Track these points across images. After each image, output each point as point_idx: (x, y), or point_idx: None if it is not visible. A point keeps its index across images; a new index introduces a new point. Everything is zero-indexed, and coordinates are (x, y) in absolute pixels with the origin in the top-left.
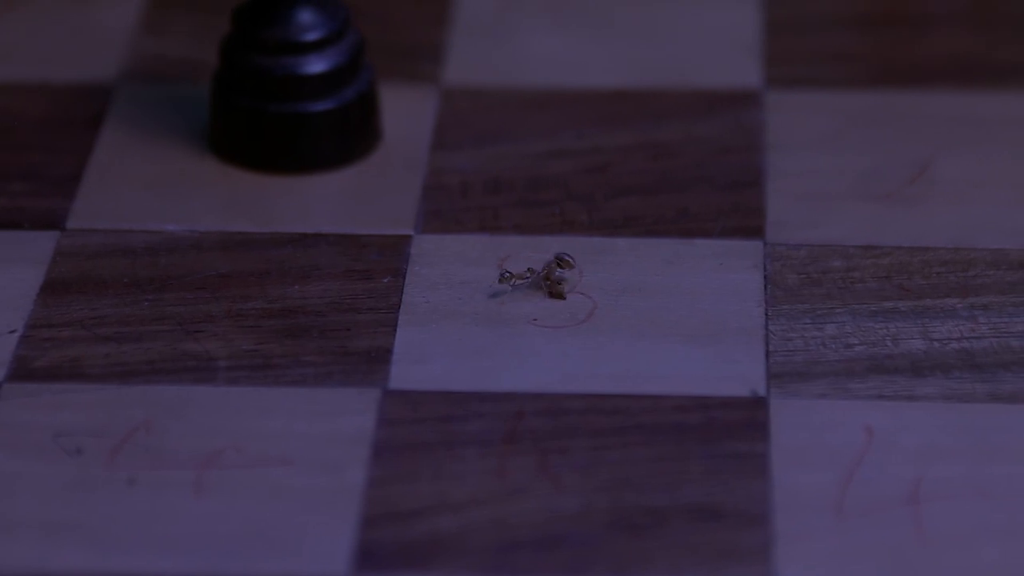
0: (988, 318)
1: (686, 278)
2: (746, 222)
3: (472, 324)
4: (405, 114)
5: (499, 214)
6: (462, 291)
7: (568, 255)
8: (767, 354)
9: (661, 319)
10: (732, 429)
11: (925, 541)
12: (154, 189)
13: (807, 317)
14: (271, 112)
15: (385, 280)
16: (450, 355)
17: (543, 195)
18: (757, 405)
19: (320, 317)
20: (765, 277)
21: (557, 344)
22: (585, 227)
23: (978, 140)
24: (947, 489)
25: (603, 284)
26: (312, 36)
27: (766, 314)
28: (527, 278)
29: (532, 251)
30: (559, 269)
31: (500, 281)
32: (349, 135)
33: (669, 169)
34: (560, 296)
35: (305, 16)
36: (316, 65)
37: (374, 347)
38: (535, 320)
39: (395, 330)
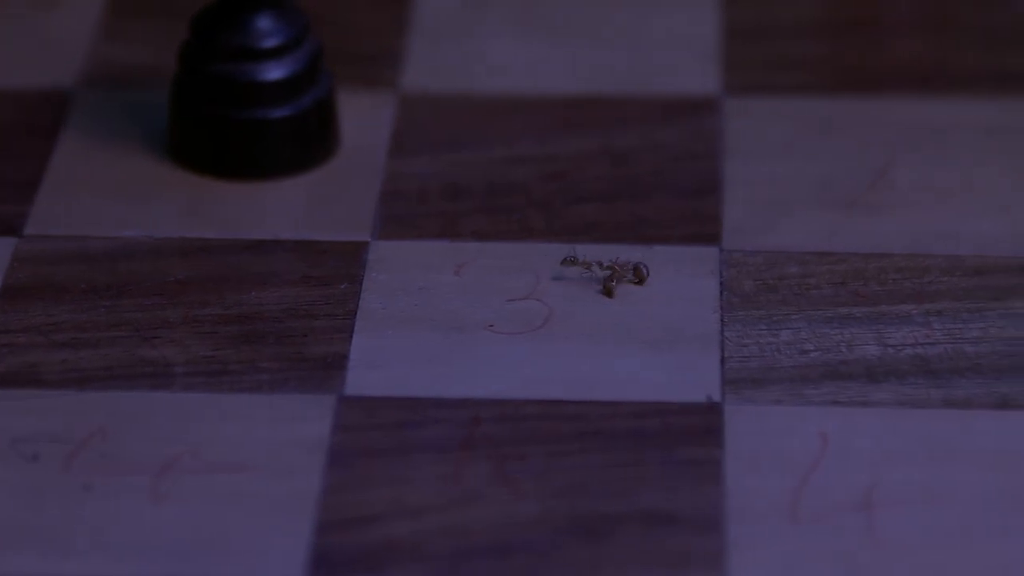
0: (943, 324)
1: (644, 285)
2: (703, 229)
3: (429, 330)
4: (364, 120)
5: (458, 220)
6: (419, 297)
7: (645, 268)
8: (722, 360)
9: (618, 325)
10: (687, 435)
11: (878, 547)
12: (112, 195)
13: (763, 323)
14: (229, 118)
15: (342, 286)
16: (407, 361)
17: (502, 201)
18: (712, 411)
19: (277, 323)
20: (721, 283)
21: (514, 350)
22: (544, 233)
23: (935, 147)
24: (901, 495)
25: (561, 290)
26: (271, 43)
27: (722, 320)
28: (591, 268)
29: (492, 257)
30: (631, 276)
31: (563, 263)
32: (307, 141)
33: (628, 176)
34: (611, 295)
35: (264, 23)
36: (275, 72)
37: (330, 353)
38: (492, 326)
39: (351, 336)
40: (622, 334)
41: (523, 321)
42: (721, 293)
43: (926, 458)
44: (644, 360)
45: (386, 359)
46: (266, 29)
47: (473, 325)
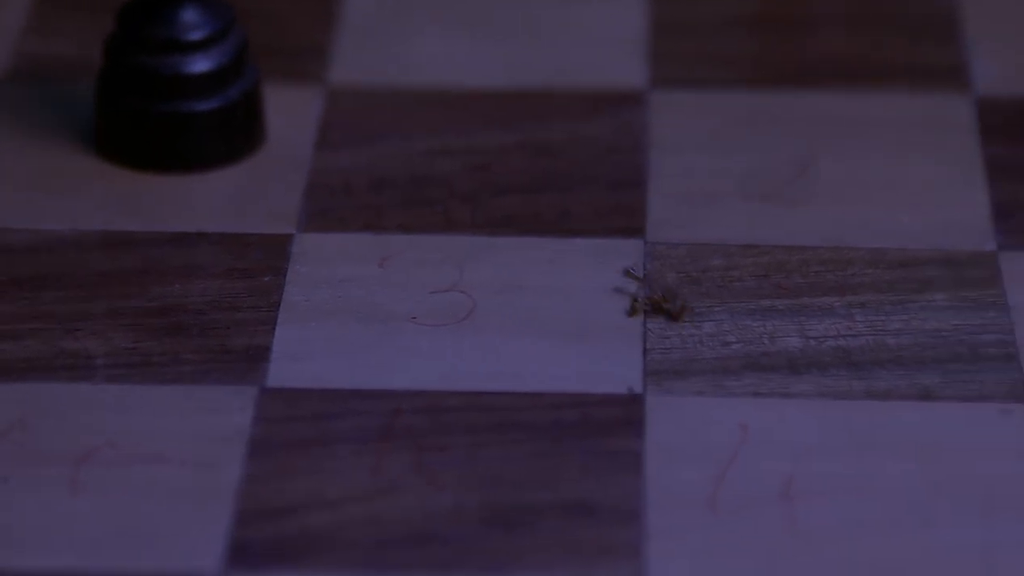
0: (865, 316)
1: (566, 277)
2: (627, 222)
3: (352, 322)
4: (290, 114)
5: (382, 213)
6: (343, 289)
7: (684, 313)
8: (644, 352)
9: (540, 317)
10: (608, 426)
11: (798, 537)
12: (36, 188)
13: (685, 315)
14: (155, 111)
15: (266, 279)
16: (329, 353)
17: (426, 194)
18: (633, 402)
19: (200, 315)
20: (645, 275)
21: (437, 342)
22: (468, 226)
23: (858, 140)
24: (821, 485)
25: (484, 283)
26: (197, 35)
27: (645, 312)
28: (643, 280)
29: (416, 250)
30: (671, 306)
31: (625, 274)
32: (233, 134)
33: (552, 169)
34: (632, 315)
35: (190, 15)
36: (200, 64)
37: (253, 345)
38: (415, 318)
39: (275, 328)
40: (544, 326)
41: (446, 313)
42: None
43: (846, 449)
44: (566, 352)
45: (309, 351)
46: (192, 22)
47: (396, 317)
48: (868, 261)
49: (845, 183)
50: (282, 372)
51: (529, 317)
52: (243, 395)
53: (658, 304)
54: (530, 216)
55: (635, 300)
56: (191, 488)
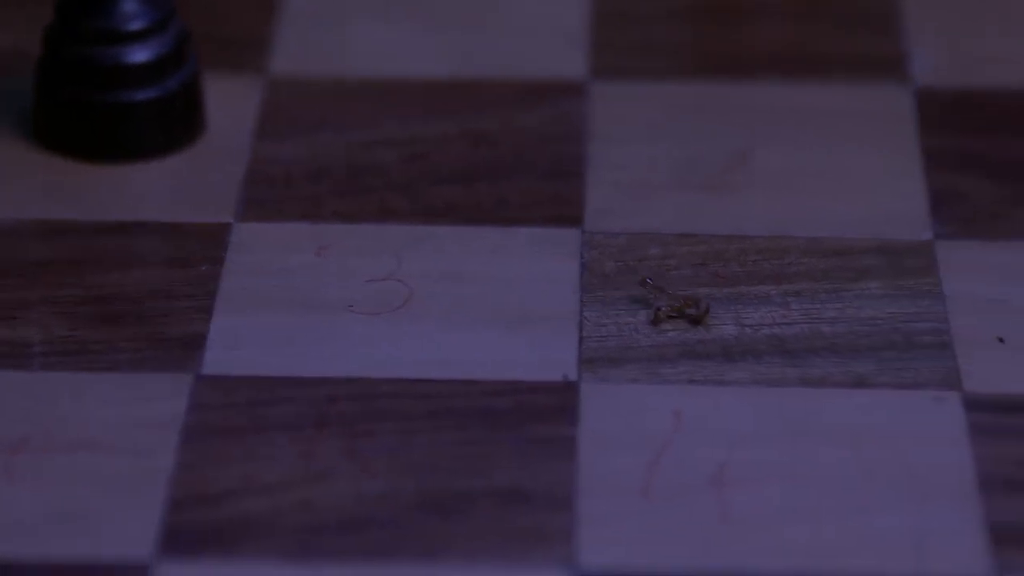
0: (801, 304)
1: (504, 266)
2: (565, 211)
3: (288, 311)
4: (230, 104)
5: (320, 202)
6: (280, 278)
7: (706, 316)
8: (580, 340)
9: (477, 306)
10: (542, 414)
11: (730, 523)
12: None
13: (622, 303)
14: (94, 101)
15: (204, 268)
16: (265, 341)
17: (364, 183)
18: (568, 390)
19: (137, 304)
20: (582, 264)
21: (372, 330)
22: (406, 215)
23: (796, 130)
24: (754, 472)
25: (421, 271)
26: (136, 25)
27: (581, 301)
28: (663, 292)
29: (354, 239)
30: (694, 310)
31: (641, 284)
32: (172, 124)
33: (490, 158)
34: (657, 324)
35: (129, 5)
36: (140, 54)
37: (189, 333)
38: (351, 307)
39: (211, 317)
40: (481, 314)
41: (383, 301)
42: (582, 274)
43: (780, 436)
44: (502, 340)
45: (245, 339)
46: (131, 12)
47: (333, 306)
48: (805, 250)
49: (783, 173)
50: (218, 360)
51: (465, 305)
52: (178, 383)
53: (681, 310)
54: (468, 205)
55: (658, 310)
56: (125, 475)
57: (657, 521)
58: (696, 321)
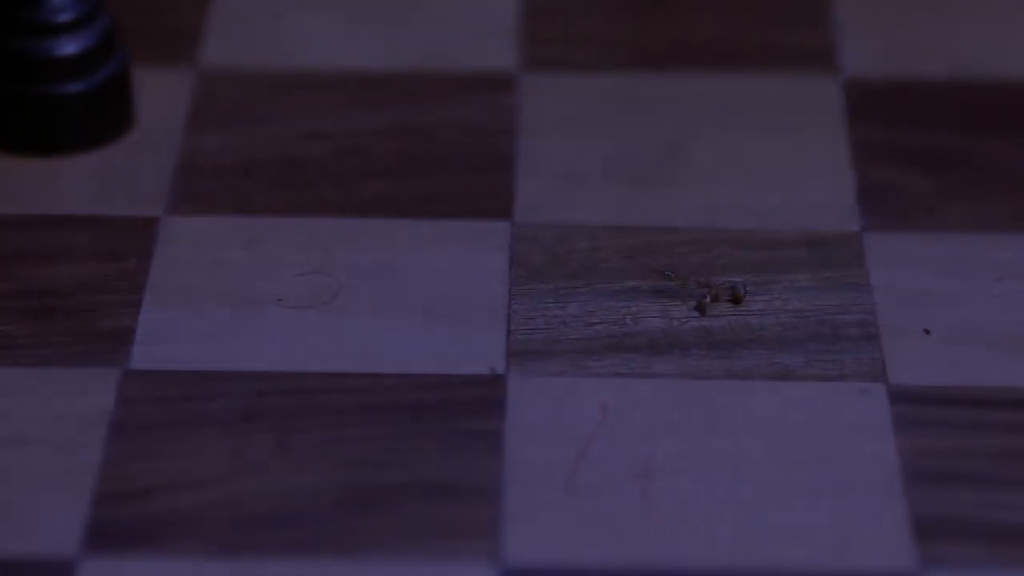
0: (729, 297)
1: (433, 259)
2: (495, 204)
3: (217, 305)
4: (161, 96)
5: (251, 196)
6: (209, 272)
7: (744, 289)
8: (508, 333)
9: (406, 299)
10: (469, 407)
11: (654, 517)
12: None
13: (550, 296)
14: (22, 94)
15: (133, 261)
16: (194, 335)
17: (296, 177)
18: (495, 383)
19: (66, 298)
20: (511, 257)
21: (302, 324)
22: (337, 208)
23: (727, 122)
24: (678, 465)
25: (352, 265)
26: (64, 17)
27: (510, 293)
28: (687, 284)
29: (284, 233)
30: (727, 296)
31: (661, 277)
32: (102, 117)
33: (422, 152)
34: (703, 313)
35: None
36: (68, 47)
37: (118, 328)
38: (281, 301)
39: (140, 311)
40: (410, 308)
41: (312, 295)
42: (511, 267)
43: (705, 429)
44: (430, 333)
45: (173, 333)
46: (59, 4)
47: (262, 299)
48: (734, 242)
49: (713, 165)
50: (146, 354)
51: (395, 299)
52: (106, 377)
53: (718, 295)
54: (399, 199)
55: (703, 299)
56: (52, 470)
57: (582, 515)
58: (737, 300)
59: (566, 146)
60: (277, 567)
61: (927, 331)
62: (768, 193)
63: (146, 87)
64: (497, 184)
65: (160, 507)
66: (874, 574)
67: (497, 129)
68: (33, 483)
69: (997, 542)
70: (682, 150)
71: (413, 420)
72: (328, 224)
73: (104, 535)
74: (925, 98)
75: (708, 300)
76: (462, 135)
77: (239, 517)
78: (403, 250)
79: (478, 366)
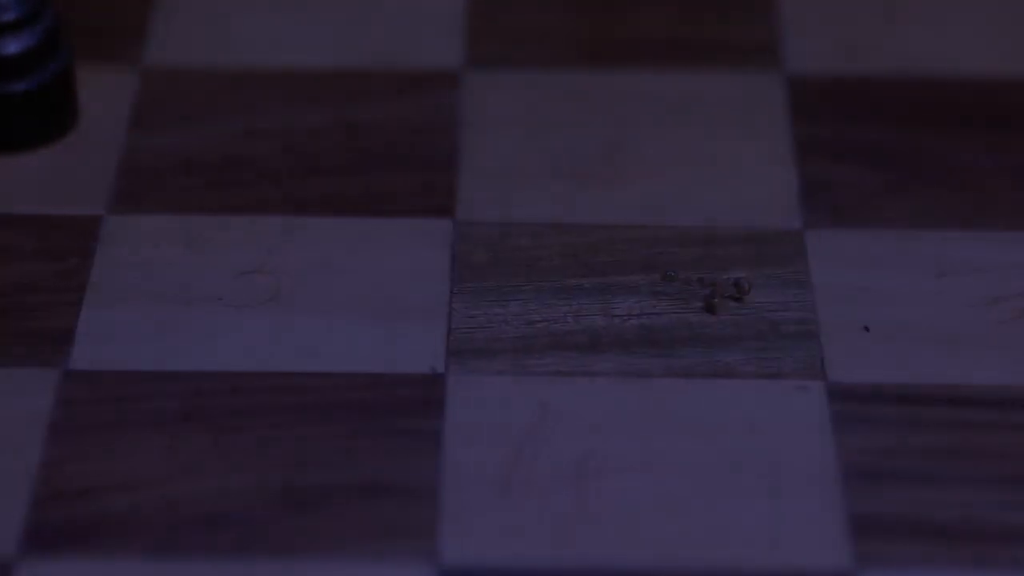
0: (669, 294)
1: (374, 257)
2: (438, 202)
3: (158, 304)
4: (104, 95)
5: (193, 195)
6: (150, 271)
7: (746, 282)
8: (449, 331)
9: (346, 298)
10: (408, 406)
11: (590, 515)
12: None
13: (492, 295)
14: None
15: (73, 261)
16: (133, 335)
17: (237, 175)
18: (435, 382)
19: (5, 298)
20: (453, 256)
21: (241, 323)
22: (278, 207)
23: (670, 119)
24: (615, 463)
25: (292, 264)
26: (7, 17)
27: (451, 292)
28: (691, 284)
29: (225, 231)
30: (734, 290)
31: (663, 279)
32: (45, 116)
33: (365, 149)
34: (714, 313)
35: None
36: (11, 46)
37: (57, 328)
38: (221, 300)
39: (79, 311)
40: (350, 307)
41: (253, 294)
42: (452, 265)
43: (643, 427)
44: (370, 332)
45: (113, 333)
46: (3, 3)
47: (202, 299)
48: (675, 239)
49: (656, 162)
50: (85, 354)
51: (335, 298)
52: (45, 378)
53: (720, 293)
54: (341, 197)
55: (710, 300)
56: None
57: (519, 514)
58: (738, 299)
59: (509, 144)
60: (213, 568)
61: (867, 328)
62: (711, 190)
63: (90, 86)
64: (440, 182)
65: (97, 508)
66: (809, 572)
67: (441, 127)
68: None
69: (932, 540)
70: (625, 147)
71: (351, 419)
72: (270, 223)
73: (42, 536)
74: (867, 95)
75: (716, 299)
76: (406, 133)
77: (175, 517)
78: (344, 248)
79: (418, 365)
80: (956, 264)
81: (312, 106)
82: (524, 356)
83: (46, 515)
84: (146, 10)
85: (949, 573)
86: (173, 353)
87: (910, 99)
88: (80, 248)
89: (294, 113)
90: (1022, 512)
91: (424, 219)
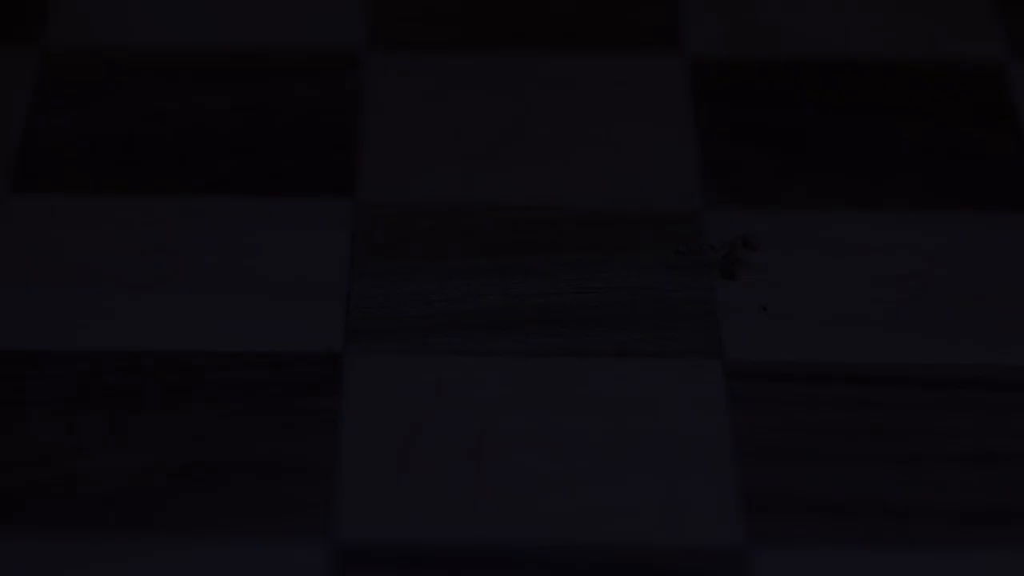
0: (568, 275)
1: (274, 237)
2: (338, 182)
3: (51, 283)
4: (4, 76)
5: (94, 175)
6: (49, 251)
7: (755, 237)
8: (347, 311)
9: (245, 277)
10: (305, 385)
11: (487, 493)
12: None
13: (391, 274)
14: None
15: None
16: (27, 315)
17: (140, 155)
18: (332, 361)
19: None
20: (353, 235)
21: (140, 303)
22: (179, 187)
23: (573, 100)
24: (512, 442)
25: (192, 243)
26: None
27: (351, 272)
28: (703, 254)
29: (126, 211)
30: (745, 250)
31: (676, 256)
32: None
33: (266, 130)
34: (733, 277)
35: None
36: None
37: None
38: (120, 278)
39: None
40: (249, 286)
41: (152, 273)
42: (352, 245)
43: (540, 406)
44: (269, 312)
45: (8, 312)
46: None
47: (101, 278)
48: (575, 220)
49: (557, 143)
50: None
51: (234, 277)
52: None
53: (734, 253)
54: (241, 177)
55: (727, 267)
56: None
57: (416, 492)
58: (753, 250)
59: (410, 125)
60: (111, 545)
61: (764, 308)
62: (609, 172)
63: None
64: (341, 162)
65: None
66: (705, 550)
67: (342, 107)
68: None
69: (827, 517)
70: (526, 129)
71: (248, 398)
72: (170, 202)
73: None
74: (768, 77)
75: (732, 262)
76: (307, 113)
77: (72, 497)
78: (244, 228)
79: (315, 344)
80: (851, 244)
81: (212, 86)
82: (422, 335)
83: None
84: None
85: (844, 550)
86: (70, 332)
87: (810, 81)
88: None
89: (195, 93)
90: (917, 489)
91: (324, 199)
